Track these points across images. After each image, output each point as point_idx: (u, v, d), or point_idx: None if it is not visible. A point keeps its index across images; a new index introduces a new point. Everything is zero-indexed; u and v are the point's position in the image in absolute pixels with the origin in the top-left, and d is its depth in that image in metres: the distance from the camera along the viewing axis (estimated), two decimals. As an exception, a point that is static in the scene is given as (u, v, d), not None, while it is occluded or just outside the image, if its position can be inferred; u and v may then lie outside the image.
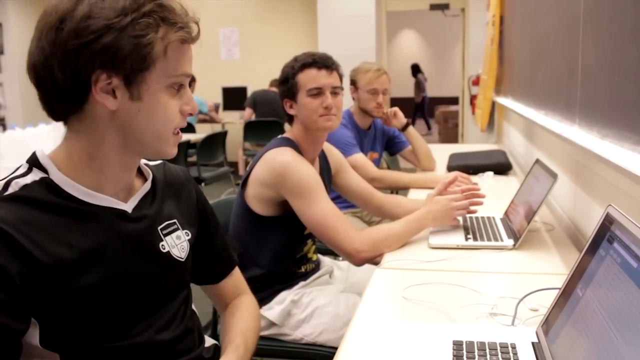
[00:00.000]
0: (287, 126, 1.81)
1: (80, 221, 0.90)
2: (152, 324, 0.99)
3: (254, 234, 1.68)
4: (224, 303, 1.23)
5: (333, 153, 1.94)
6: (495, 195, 1.90)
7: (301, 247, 1.75)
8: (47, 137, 3.70)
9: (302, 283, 1.73)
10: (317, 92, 1.68)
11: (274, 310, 1.66)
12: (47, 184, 0.89)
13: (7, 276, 0.80)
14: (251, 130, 6.29)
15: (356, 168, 2.39)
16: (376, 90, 2.66)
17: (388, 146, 3.00)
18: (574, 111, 1.55)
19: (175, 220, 1.06)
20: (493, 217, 1.82)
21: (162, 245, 1.02)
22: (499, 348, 0.97)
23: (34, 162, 0.91)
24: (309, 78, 1.68)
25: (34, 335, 0.87)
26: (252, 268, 1.66)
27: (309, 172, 1.61)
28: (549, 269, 1.41)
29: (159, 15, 0.87)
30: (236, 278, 1.25)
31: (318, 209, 1.57)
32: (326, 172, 1.88)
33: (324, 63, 1.69)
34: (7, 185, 0.87)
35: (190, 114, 0.97)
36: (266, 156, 1.65)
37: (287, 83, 1.70)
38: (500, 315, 1.14)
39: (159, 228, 1.02)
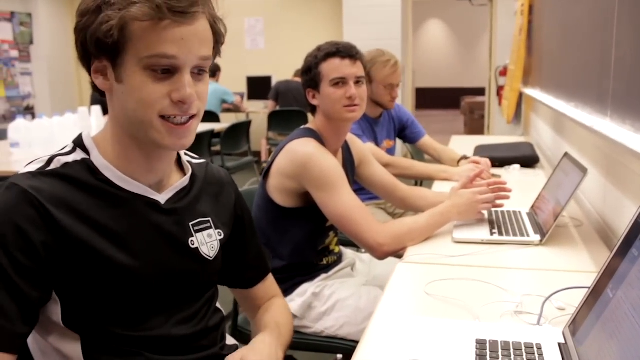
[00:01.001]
0: (310, 116, 1.78)
1: (113, 205, 0.92)
2: (172, 317, 0.99)
3: (276, 225, 1.67)
4: (254, 307, 1.22)
5: (356, 144, 1.92)
6: (521, 189, 1.86)
7: (323, 239, 1.74)
8: (73, 126, 3.75)
9: (323, 275, 1.72)
10: (341, 82, 1.65)
11: (295, 302, 1.65)
12: (87, 165, 0.93)
13: (30, 242, 0.84)
14: (275, 120, 6.29)
15: None
16: (392, 85, 2.63)
17: (403, 135, 2.95)
18: (606, 103, 1.50)
19: (209, 219, 1.06)
20: (519, 212, 1.78)
21: (192, 240, 1.02)
22: (523, 348, 0.94)
23: (78, 143, 0.95)
24: (332, 68, 1.65)
25: (56, 313, 0.90)
26: (274, 260, 1.66)
27: (331, 164, 1.59)
28: (576, 267, 1.37)
29: None
30: (268, 284, 1.24)
31: (340, 202, 1.55)
32: (349, 164, 1.86)
33: (348, 52, 1.66)
34: (50, 161, 0.91)
35: (182, 102, 0.89)
36: (288, 147, 1.63)
37: (310, 73, 1.68)
38: (526, 314, 1.11)
39: (190, 224, 1.02)
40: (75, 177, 0.90)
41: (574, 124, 1.80)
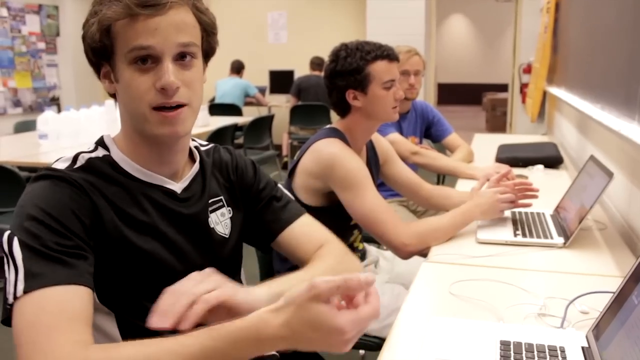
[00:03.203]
0: (333, 114, 1.79)
1: (134, 195, 0.99)
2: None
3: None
4: (304, 260, 1.13)
5: (381, 143, 1.94)
6: (545, 190, 1.85)
7: (347, 237, 1.77)
8: (99, 118, 3.81)
9: (347, 272, 1.74)
10: (391, 85, 1.68)
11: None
12: (108, 160, 0.99)
13: (79, 219, 0.90)
14: (297, 114, 6.31)
15: (394, 144, 2.39)
16: (407, 72, 2.62)
17: (429, 133, 2.96)
18: (634, 107, 1.50)
19: (221, 197, 1.12)
20: (543, 213, 1.79)
21: (209, 221, 1.08)
22: (547, 351, 0.96)
23: (100, 142, 1.03)
24: (384, 70, 1.67)
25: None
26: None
27: (356, 165, 1.61)
28: (600, 270, 1.37)
29: None
30: (304, 233, 1.16)
31: (365, 202, 1.57)
32: (374, 162, 1.88)
33: (395, 55, 1.69)
34: (75, 159, 0.98)
35: (164, 89, 0.91)
36: (314, 147, 1.66)
37: (358, 74, 1.66)
38: (549, 317, 1.13)
39: (205, 206, 1.08)
40: (100, 171, 0.97)
41: (600, 126, 1.79)
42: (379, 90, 1.67)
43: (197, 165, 1.10)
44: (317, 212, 1.67)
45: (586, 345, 0.99)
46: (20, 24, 7.16)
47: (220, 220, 1.11)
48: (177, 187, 1.04)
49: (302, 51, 7.47)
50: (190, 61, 0.95)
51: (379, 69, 1.66)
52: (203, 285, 0.88)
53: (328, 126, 1.76)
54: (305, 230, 1.18)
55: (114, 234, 0.94)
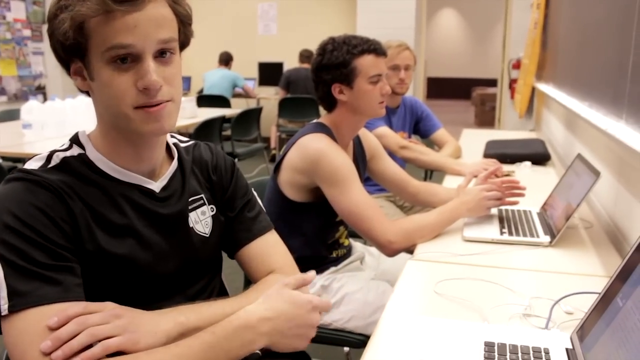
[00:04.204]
0: (321, 109, 1.77)
1: (112, 197, 0.95)
2: (180, 297, 1.01)
3: (286, 219, 1.68)
4: (254, 280, 1.13)
5: (368, 138, 1.92)
6: (532, 187, 1.85)
7: (333, 233, 1.75)
8: (85, 108, 3.75)
9: (332, 268, 1.74)
10: (377, 79, 1.66)
11: (303, 294, 1.67)
12: (83, 159, 0.95)
13: (55, 221, 0.87)
14: (285, 106, 6.28)
15: (383, 137, 2.38)
16: (398, 66, 2.61)
17: (417, 128, 2.95)
18: (621, 106, 1.50)
19: (202, 195, 1.08)
20: (530, 211, 1.78)
21: (189, 220, 1.05)
22: (531, 352, 0.96)
23: (74, 139, 0.99)
24: (370, 64, 1.64)
25: None
26: (284, 252, 1.67)
27: (342, 161, 1.60)
28: (585, 270, 1.37)
29: None
30: (263, 254, 1.14)
31: (351, 198, 1.56)
32: (361, 158, 1.86)
33: (382, 49, 1.67)
34: (49, 158, 0.94)
35: (147, 89, 0.88)
36: (300, 142, 1.64)
37: (344, 68, 1.63)
38: (534, 317, 1.12)
39: (184, 205, 1.04)
40: (76, 171, 0.93)
41: (587, 124, 1.79)
42: (365, 85, 1.65)
43: (175, 163, 1.06)
44: (302, 208, 1.67)
45: (570, 346, 0.98)
46: (5, 10, 7.04)
47: (201, 219, 1.07)
48: (156, 186, 1.01)
49: (291, 43, 7.43)
50: (170, 57, 0.91)
51: (366, 63, 1.64)
52: (110, 327, 0.83)
53: (314, 121, 1.74)
54: (265, 251, 1.14)
55: (91, 240, 0.91)
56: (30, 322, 0.79)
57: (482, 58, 14.26)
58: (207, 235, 1.08)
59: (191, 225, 1.05)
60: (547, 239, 1.54)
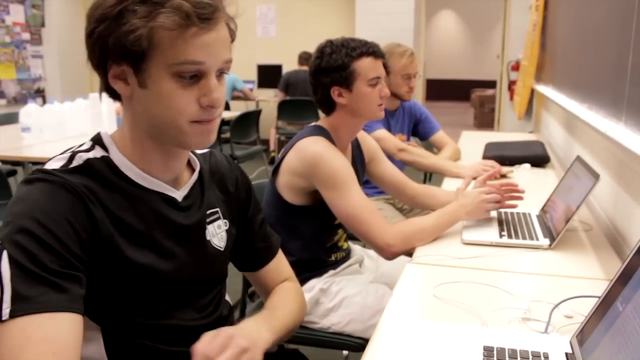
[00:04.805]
0: (320, 112, 1.76)
1: (133, 203, 0.92)
2: (190, 308, 1.01)
3: (285, 222, 1.67)
4: (267, 290, 1.23)
5: (367, 141, 1.92)
6: (531, 189, 1.85)
7: (332, 236, 1.75)
8: (84, 112, 3.75)
9: (331, 272, 1.73)
10: (377, 82, 1.65)
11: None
12: (107, 162, 0.92)
13: (74, 229, 0.84)
14: (285, 109, 6.28)
15: (381, 140, 2.38)
16: (410, 75, 2.63)
17: (416, 130, 2.95)
18: (620, 108, 1.49)
19: (217, 209, 1.07)
20: (529, 214, 1.78)
21: (206, 233, 1.04)
22: (530, 357, 0.95)
23: (97, 140, 0.95)
24: (369, 67, 1.64)
25: None
26: (282, 255, 1.66)
27: (341, 164, 1.59)
28: (585, 273, 1.36)
29: (151, 0, 0.83)
30: (278, 265, 1.24)
31: (350, 201, 1.55)
32: (359, 160, 1.85)
33: (380, 52, 1.67)
34: (71, 158, 0.90)
35: (210, 107, 0.89)
36: (298, 145, 1.63)
37: (343, 71, 1.63)
38: (533, 321, 1.12)
39: (203, 217, 1.03)
40: (100, 174, 0.90)
41: (586, 126, 1.78)
42: (364, 88, 1.64)
43: (197, 172, 1.04)
44: (301, 211, 1.67)
45: (570, 351, 0.97)
46: (4, 13, 7.04)
47: (217, 233, 1.06)
48: (178, 194, 0.99)
49: (290, 46, 7.43)
50: (223, 76, 0.93)
51: (365, 65, 1.63)
52: (230, 352, 0.85)
53: (313, 124, 1.74)
54: (279, 261, 1.24)
55: (110, 247, 0.89)
56: (29, 329, 0.76)
57: (481, 60, 14.26)
58: (222, 250, 1.08)
59: (208, 238, 1.04)
60: (547, 241, 1.54)
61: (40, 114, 3.65)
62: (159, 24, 0.83)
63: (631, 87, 1.41)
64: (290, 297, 1.19)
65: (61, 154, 0.92)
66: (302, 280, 1.69)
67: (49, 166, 0.89)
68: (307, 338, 1.67)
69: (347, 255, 1.84)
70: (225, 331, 0.88)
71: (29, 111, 3.66)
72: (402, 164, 2.61)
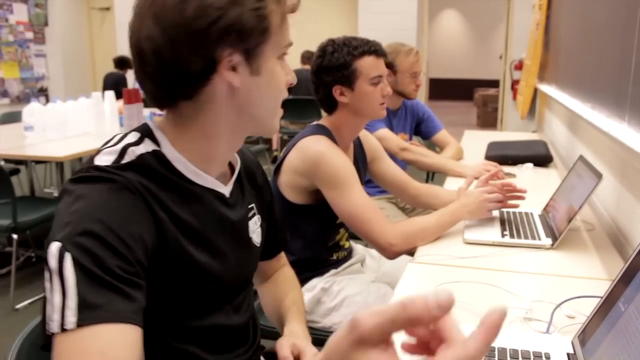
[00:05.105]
0: (322, 111, 1.75)
1: (188, 200, 0.87)
2: (230, 307, 0.99)
3: (286, 221, 1.65)
4: (266, 275, 1.25)
5: (369, 140, 1.91)
6: (534, 189, 1.84)
7: (333, 235, 1.74)
8: (86, 111, 3.76)
9: (333, 271, 1.73)
10: (379, 80, 1.65)
11: (304, 297, 1.66)
12: (158, 157, 0.85)
13: (138, 233, 0.77)
14: (287, 108, 6.19)
15: (384, 140, 2.38)
16: (416, 74, 2.65)
17: (418, 130, 2.95)
18: (624, 108, 1.49)
19: (253, 205, 1.05)
20: (531, 213, 1.77)
21: (249, 230, 1.02)
22: (532, 357, 0.95)
23: (146, 132, 0.87)
24: (371, 65, 1.63)
25: None
26: (284, 254, 1.66)
27: (343, 163, 1.59)
28: (587, 273, 1.36)
29: None
30: (282, 254, 1.28)
31: (351, 201, 1.55)
32: (361, 160, 1.85)
33: (382, 51, 1.66)
34: (123, 153, 0.83)
35: (291, 84, 0.92)
36: (300, 144, 1.63)
37: (345, 70, 1.62)
38: (535, 321, 1.11)
39: (245, 213, 1.01)
40: (153, 170, 0.83)
41: (589, 125, 1.78)
42: (366, 86, 1.64)
43: (239, 166, 1.00)
44: (302, 210, 1.66)
45: (572, 351, 0.97)
46: (8, 12, 7.06)
47: (255, 229, 1.04)
48: (226, 190, 0.95)
49: (293, 45, 7.37)
50: None
51: (366, 64, 1.63)
52: None
53: (315, 123, 1.73)
54: (281, 253, 1.28)
55: (175, 249, 0.83)
56: (94, 340, 0.67)
57: (484, 59, 14.22)
58: (259, 246, 1.06)
59: (250, 234, 1.02)
60: (549, 241, 1.53)
61: (42, 113, 3.66)
62: (289, 7, 0.87)
63: (634, 86, 1.41)
64: (297, 287, 1.26)
65: (109, 145, 0.85)
66: (304, 280, 1.68)
67: (100, 162, 0.81)
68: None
69: (349, 254, 1.84)
70: (287, 341, 1.03)
71: (32, 110, 3.67)
72: (404, 164, 2.61)
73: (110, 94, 3.76)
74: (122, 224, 0.75)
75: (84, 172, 0.79)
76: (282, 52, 0.88)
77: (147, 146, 0.85)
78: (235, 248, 0.96)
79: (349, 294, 1.66)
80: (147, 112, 4.11)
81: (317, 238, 1.71)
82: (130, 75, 6.79)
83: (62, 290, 0.69)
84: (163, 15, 0.79)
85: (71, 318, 0.67)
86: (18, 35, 7.23)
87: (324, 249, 1.73)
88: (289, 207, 1.66)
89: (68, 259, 0.70)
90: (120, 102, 3.80)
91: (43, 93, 7.63)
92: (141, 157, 0.83)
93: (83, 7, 8.22)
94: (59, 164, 3.92)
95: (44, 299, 0.71)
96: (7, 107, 6.77)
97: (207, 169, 0.90)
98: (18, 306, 2.99)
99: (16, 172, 4.43)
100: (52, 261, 0.70)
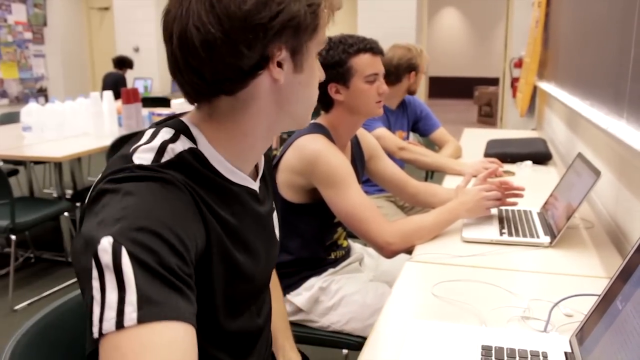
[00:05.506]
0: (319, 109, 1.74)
1: (227, 199, 0.85)
2: (255, 307, 0.97)
3: (284, 220, 1.66)
4: None
5: (366, 139, 1.91)
6: (533, 186, 1.83)
7: (331, 234, 1.74)
8: (85, 111, 3.75)
9: (331, 270, 1.72)
10: (374, 78, 1.64)
11: (302, 296, 1.66)
12: (195, 154, 0.81)
13: (190, 233, 0.74)
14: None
15: (381, 139, 2.38)
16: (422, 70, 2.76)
17: (416, 127, 2.94)
18: (622, 105, 1.48)
19: (272, 201, 1.03)
20: (530, 211, 1.77)
21: (273, 225, 1.01)
22: (529, 356, 0.94)
23: (182, 128, 0.83)
24: (367, 63, 1.62)
25: None
26: (281, 254, 1.66)
27: (340, 162, 1.58)
28: (586, 271, 1.35)
29: None
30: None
31: (349, 200, 1.54)
32: (359, 158, 1.84)
33: (378, 48, 1.65)
34: (162, 150, 0.79)
35: (320, 81, 0.92)
36: (297, 143, 1.62)
37: (340, 67, 1.61)
38: (533, 320, 1.11)
39: (272, 209, 1.00)
40: (192, 167, 0.80)
41: (588, 123, 1.77)
42: (362, 84, 1.63)
43: (263, 161, 0.98)
44: (300, 209, 1.66)
45: (569, 350, 0.96)
46: (6, 13, 7.05)
47: (277, 223, 1.03)
48: (257, 186, 0.92)
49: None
50: None
51: (362, 62, 1.62)
52: None
53: (312, 121, 1.72)
54: None
55: (220, 251, 0.81)
56: (160, 337, 0.63)
57: (484, 57, 14.22)
58: (279, 241, 1.04)
59: (275, 230, 1.01)
60: (548, 239, 1.53)
61: (41, 113, 3.65)
62: (335, 5, 0.85)
63: (633, 83, 1.40)
64: (279, 297, 1.25)
65: (142, 143, 0.80)
66: (302, 279, 1.68)
67: (139, 160, 0.76)
68: (307, 337, 1.66)
69: (347, 253, 1.83)
70: None
71: (30, 110, 3.67)
72: (402, 163, 2.60)
73: (108, 94, 3.75)
74: (179, 223, 0.71)
75: (127, 172, 0.74)
76: (318, 49, 0.87)
77: (183, 143, 0.81)
78: (266, 245, 0.95)
79: (347, 293, 1.66)
80: (145, 111, 4.11)
81: (314, 237, 1.70)
82: (129, 75, 6.79)
83: (120, 286, 0.64)
84: (219, 5, 0.75)
85: (132, 314, 0.63)
86: (17, 36, 7.22)
87: (321, 248, 1.73)
88: (287, 206, 1.65)
89: (124, 253, 0.64)
90: (120, 102, 3.80)
91: (42, 93, 7.62)
92: (180, 155, 0.79)
93: (82, 7, 8.21)
94: (58, 165, 3.92)
95: (90, 300, 0.65)
96: (6, 108, 6.77)
97: (242, 167, 0.87)
98: (17, 307, 2.98)
99: (15, 172, 4.43)
100: (105, 257, 0.65)
